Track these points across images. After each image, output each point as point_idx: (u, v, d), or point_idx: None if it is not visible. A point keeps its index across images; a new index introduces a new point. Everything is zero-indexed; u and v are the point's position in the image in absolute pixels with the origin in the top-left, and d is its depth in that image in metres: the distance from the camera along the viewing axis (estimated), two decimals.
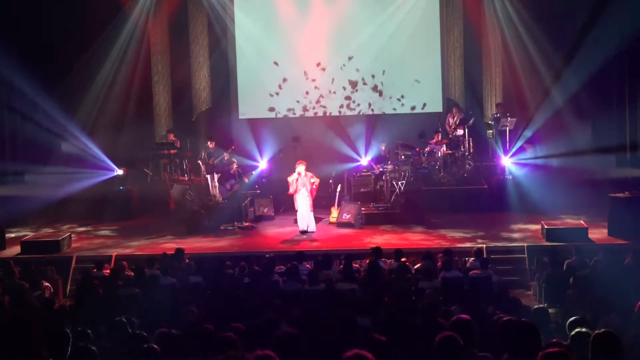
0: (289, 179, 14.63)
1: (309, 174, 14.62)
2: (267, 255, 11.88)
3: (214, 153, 17.14)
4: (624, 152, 16.77)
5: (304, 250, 12.37)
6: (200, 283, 10.58)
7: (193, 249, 13.44)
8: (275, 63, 18.91)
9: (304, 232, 14.54)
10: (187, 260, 11.80)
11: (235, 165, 16.51)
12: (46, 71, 17.66)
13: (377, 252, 11.26)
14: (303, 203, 14.51)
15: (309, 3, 18.83)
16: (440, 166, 16.81)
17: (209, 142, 17.37)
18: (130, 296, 10.09)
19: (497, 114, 17.50)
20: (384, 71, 18.82)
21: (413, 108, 18.84)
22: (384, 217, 15.37)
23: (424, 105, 18.80)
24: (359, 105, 18.99)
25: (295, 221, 14.83)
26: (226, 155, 16.99)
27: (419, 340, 6.39)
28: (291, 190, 14.58)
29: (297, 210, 14.67)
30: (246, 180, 16.32)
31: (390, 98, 18.89)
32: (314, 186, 14.64)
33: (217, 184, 16.30)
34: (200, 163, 17.02)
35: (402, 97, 18.83)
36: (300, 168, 14.52)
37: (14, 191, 17.26)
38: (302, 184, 14.48)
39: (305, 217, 14.58)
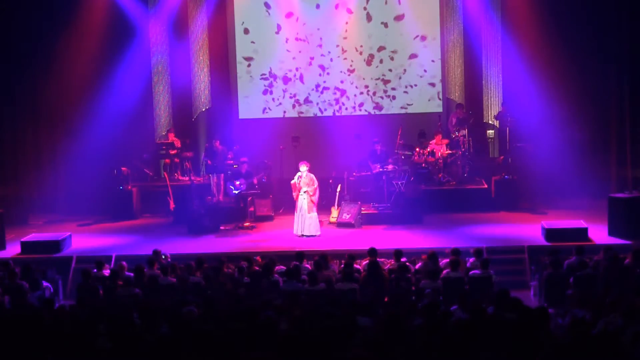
0: (292, 182, 14.51)
1: (310, 175, 14.39)
2: (254, 258, 11.86)
3: (217, 153, 17.12)
4: (624, 152, 16.74)
5: (304, 250, 12.37)
6: (200, 283, 10.60)
7: (193, 249, 13.43)
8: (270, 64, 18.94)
9: (300, 236, 14.31)
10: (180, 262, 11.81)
11: (245, 165, 16.43)
12: (46, 70, 17.66)
13: (372, 253, 11.24)
14: (299, 206, 14.27)
15: (308, 7, 18.80)
16: (440, 166, 16.80)
17: (213, 142, 17.41)
18: (130, 296, 10.10)
19: (498, 113, 17.51)
20: (383, 70, 18.80)
21: (409, 109, 18.79)
22: (384, 217, 15.35)
23: (424, 105, 18.77)
24: (358, 105, 18.96)
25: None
26: (230, 155, 16.96)
27: (419, 340, 6.40)
28: (295, 194, 14.35)
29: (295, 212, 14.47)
30: (255, 181, 16.20)
31: (390, 98, 18.86)
32: (311, 193, 14.28)
33: (221, 182, 16.29)
34: (206, 162, 17.02)
35: (402, 96, 18.79)
36: (302, 168, 14.40)
37: (13, 190, 17.23)
38: (304, 184, 14.32)
39: (298, 220, 14.34)
